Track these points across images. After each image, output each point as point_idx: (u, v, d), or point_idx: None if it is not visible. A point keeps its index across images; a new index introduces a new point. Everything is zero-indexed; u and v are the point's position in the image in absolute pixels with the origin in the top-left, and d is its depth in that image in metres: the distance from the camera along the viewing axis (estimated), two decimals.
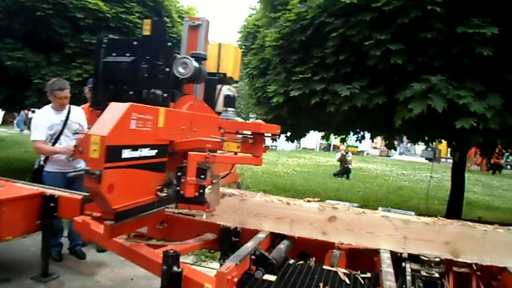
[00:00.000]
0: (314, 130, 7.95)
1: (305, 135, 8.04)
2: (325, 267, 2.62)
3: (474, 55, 4.39)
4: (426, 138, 6.87)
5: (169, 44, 2.77)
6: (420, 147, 30.36)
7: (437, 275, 2.44)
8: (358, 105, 5.07)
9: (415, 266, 2.52)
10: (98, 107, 2.95)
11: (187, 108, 2.88)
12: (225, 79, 3.61)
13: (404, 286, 2.25)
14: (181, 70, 2.83)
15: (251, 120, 3.30)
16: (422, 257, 2.56)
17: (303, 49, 5.79)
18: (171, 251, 2.38)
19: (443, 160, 25.55)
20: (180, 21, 8.72)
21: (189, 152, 2.34)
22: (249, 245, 2.51)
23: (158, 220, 3.12)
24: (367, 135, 7.74)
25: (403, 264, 2.50)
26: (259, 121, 2.42)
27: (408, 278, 2.31)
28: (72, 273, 4.18)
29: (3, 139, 16.77)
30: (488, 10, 4.45)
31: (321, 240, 2.79)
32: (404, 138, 8.45)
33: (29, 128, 22.43)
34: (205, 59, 3.10)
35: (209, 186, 2.48)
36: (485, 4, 4.47)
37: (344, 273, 2.51)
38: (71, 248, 4.65)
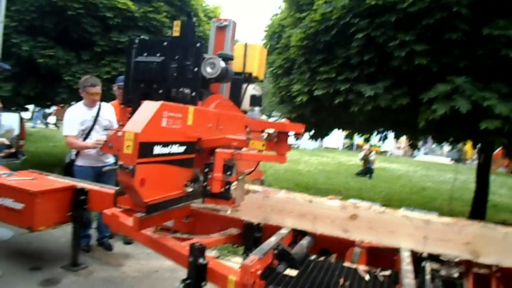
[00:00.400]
0: (337, 129, 7.97)
1: (328, 134, 8.07)
2: (345, 264, 2.68)
3: (499, 57, 4.36)
4: (450, 139, 6.82)
5: (198, 44, 2.86)
6: (445, 148, 29.92)
7: (456, 275, 2.47)
8: (382, 105, 5.09)
9: (435, 266, 2.55)
10: (129, 104, 3.07)
11: (214, 107, 2.97)
12: (250, 79, 3.68)
13: (423, 285, 2.29)
14: (209, 70, 2.92)
15: (273, 119, 3.38)
16: (442, 257, 2.60)
17: (328, 49, 5.83)
18: (198, 244, 2.49)
19: (468, 161, 25.09)
20: (206, 20, 8.86)
21: (217, 150, 2.44)
22: (272, 240, 2.59)
23: (184, 214, 3.24)
24: (390, 135, 7.72)
25: (423, 263, 2.54)
26: (284, 120, 2.49)
27: (428, 277, 2.35)
28: (100, 263, 4.34)
29: (32, 134, 17.27)
30: None
31: (342, 238, 2.84)
32: (429, 139, 8.36)
33: (45, 124, 23.01)
34: (232, 59, 3.18)
35: (235, 183, 2.58)
36: (510, 6, 4.43)
37: (364, 270, 2.57)
38: (99, 239, 4.82)
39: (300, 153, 22.80)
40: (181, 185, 2.50)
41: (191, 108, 2.47)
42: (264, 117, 2.84)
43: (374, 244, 2.79)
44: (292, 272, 2.41)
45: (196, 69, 2.83)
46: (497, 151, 8.80)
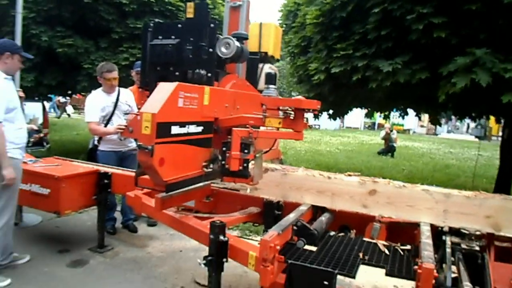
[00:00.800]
0: (356, 107, 7.90)
1: (348, 112, 8.00)
2: (365, 239, 2.69)
3: None
4: (473, 115, 6.69)
5: (212, 25, 2.86)
6: (470, 124, 29.28)
7: (477, 248, 2.46)
8: (401, 80, 5.01)
9: (456, 240, 2.54)
10: (146, 87, 3.10)
11: (230, 87, 2.99)
12: (266, 58, 3.66)
13: (444, 258, 2.29)
14: (224, 50, 2.92)
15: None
16: (463, 231, 2.59)
17: (344, 26, 5.75)
18: (218, 222, 2.54)
19: (493, 138, 24.54)
20: (221, 2, 8.81)
21: (233, 128, 2.47)
22: (291, 216, 2.62)
23: (204, 194, 3.30)
24: (411, 112, 7.60)
25: (443, 237, 2.53)
26: (300, 96, 2.49)
27: (448, 250, 2.34)
28: (126, 245, 4.46)
29: (55, 123, 17.66)
30: None
31: (362, 214, 2.86)
32: (453, 116, 8.20)
33: (59, 112, 23.33)
34: (246, 38, 3.17)
35: (252, 161, 2.61)
36: None
37: (384, 245, 2.58)
38: (123, 222, 4.94)
39: (321, 133, 22.71)
40: (200, 164, 2.54)
41: (207, 88, 2.49)
42: (279, 95, 2.82)
43: (394, 219, 2.80)
44: (311, 248, 2.44)
45: (211, 49, 2.83)
46: None
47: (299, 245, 2.41)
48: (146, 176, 2.61)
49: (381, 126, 28.92)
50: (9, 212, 3.52)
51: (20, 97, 3.82)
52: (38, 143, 4.54)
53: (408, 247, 2.58)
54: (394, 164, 12.33)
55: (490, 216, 2.57)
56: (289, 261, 2.21)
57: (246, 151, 2.46)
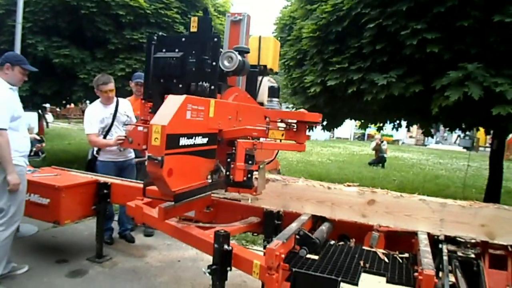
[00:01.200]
0: (351, 119, 8.03)
1: (341, 124, 8.13)
2: (364, 247, 2.77)
3: (511, 43, 4.39)
4: (463, 126, 6.85)
5: (215, 39, 2.94)
6: (457, 135, 29.67)
7: (473, 256, 2.55)
8: (395, 93, 5.14)
9: (452, 247, 2.63)
10: (149, 99, 3.16)
11: (233, 99, 3.06)
12: (265, 71, 3.76)
13: (441, 265, 2.37)
14: (226, 63, 2.99)
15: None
16: (459, 239, 2.68)
17: (340, 40, 5.89)
18: (222, 231, 2.60)
19: (481, 149, 24.88)
20: (216, 15, 8.94)
21: (238, 140, 2.54)
22: (294, 225, 2.69)
23: (205, 204, 3.35)
24: (404, 123, 7.75)
25: (440, 245, 2.62)
26: (302, 109, 2.58)
27: (445, 258, 2.43)
28: (124, 255, 4.48)
29: (47, 132, 17.55)
30: None
31: (361, 223, 2.94)
32: (441, 127, 8.37)
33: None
34: (248, 52, 3.25)
35: (256, 172, 2.68)
36: None
37: (383, 253, 2.66)
38: (121, 232, 4.96)
39: (312, 144, 22.83)
40: (205, 175, 2.60)
41: (212, 101, 2.57)
42: (282, 108, 2.91)
43: (392, 228, 2.88)
44: (313, 256, 2.51)
45: (214, 63, 2.91)
46: (510, 137, 8.79)
47: (302, 253, 2.47)
48: (152, 187, 2.68)
49: (370, 137, 29.20)
50: (17, 222, 3.56)
51: None
52: (37, 153, 4.56)
53: (406, 255, 2.66)
54: (385, 175, 12.48)
55: (484, 225, 2.67)
56: (294, 269, 2.27)
57: (250, 162, 2.53)
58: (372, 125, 8.03)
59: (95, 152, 4.69)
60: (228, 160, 2.60)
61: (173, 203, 2.67)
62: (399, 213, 2.85)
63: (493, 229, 2.65)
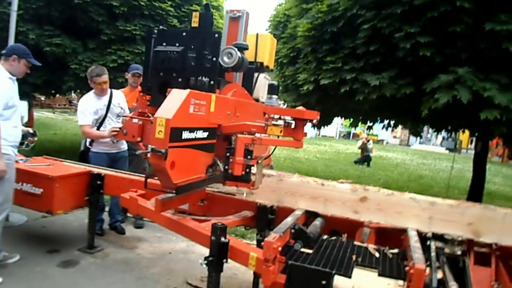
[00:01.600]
0: (342, 118, 8.13)
1: (331, 122, 8.24)
2: (356, 242, 2.86)
3: (500, 50, 4.52)
4: (449, 128, 7.00)
5: (216, 35, 2.99)
6: (440, 137, 30.14)
7: (459, 253, 2.67)
8: (387, 94, 5.25)
9: (439, 244, 2.74)
10: (148, 92, 3.20)
11: (231, 95, 3.12)
12: (261, 68, 3.82)
13: (429, 262, 2.47)
14: (226, 59, 3.05)
15: None
16: (446, 236, 2.79)
17: (334, 40, 5.97)
18: (219, 224, 2.66)
19: (463, 151, 25.36)
20: (213, 11, 8.94)
21: (238, 135, 2.60)
22: (289, 220, 2.77)
23: (200, 197, 3.40)
24: (392, 123, 7.88)
25: (428, 242, 2.73)
26: (301, 107, 2.65)
27: (433, 254, 2.53)
28: (115, 246, 4.50)
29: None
30: None
31: (353, 219, 3.03)
32: (425, 128, 8.57)
33: None
34: (247, 49, 3.31)
35: (253, 166, 2.75)
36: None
37: (374, 248, 2.75)
38: (111, 224, 4.97)
39: None
40: (204, 168, 2.66)
41: (214, 96, 2.62)
42: (281, 105, 2.97)
43: (382, 224, 2.98)
44: (307, 250, 2.59)
45: (214, 58, 2.95)
46: (493, 140, 9.02)
47: (297, 247, 2.55)
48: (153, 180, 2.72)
49: (356, 136, 29.49)
50: (5, 211, 3.55)
51: None
52: (28, 145, 4.52)
53: (396, 250, 2.76)
54: (370, 174, 12.66)
55: (471, 224, 2.78)
56: (290, 262, 2.34)
57: (249, 157, 2.60)
58: (362, 125, 8.16)
59: (88, 143, 4.69)
60: (227, 154, 2.66)
61: (169, 195, 2.73)
62: (390, 210, 2.94)
63: (479, 227, 2.76)
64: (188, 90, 2.36)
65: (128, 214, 5.16)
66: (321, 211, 3.10)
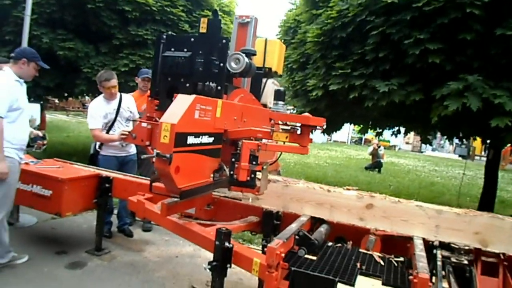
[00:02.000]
0: (350, 124, 8.11)
1: (341, 128, 8.22)
2: (361, 250, 2.84)
3: (511, 56, 4.47)
4: (460, 135, 6.94)
5: (224, 41, 3.01)
6: (453, 143, 29.80)
7: (466, 262, 2.63)
8: (396, 100, 5.23)
9: (446, 253, 2.71)
10: (156, 96, 3.23)
11: (238, 100, 3.13)
12: (270, 73, 3.82)
13: (434, 271, 2.45)
14: (233, 65, 3.06)
15: None
16: (453, 245, 2.76)
17: (344, 46, 5.97)
18: (224, 229, 2.67)
19: (476, 158, 25.02)
20: (221, 14, 9.00)
21: (244, 140, 2.61)
22: (293, 226, 2.76)
23: (206, 202, 3.42)
24: (402, 130, 7.83)
25: (434, 251, 2.70)
26: (307, 113, 2.65)
27: (439, 263, 2.50)
28: (122, 249, 4.53)
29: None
30: None
31: (358, 226, 3.02)
32: (438, 135, 8.50)
33: None
34: (254, 54, 3.32)
35: (259, 172, 2.75)
36: None
37: (379, 256, 2.74)
38: (119, 226, 5.00)
39: (309, 146, 22.85)
40: (209, 173, 2.67)
41: (220, 102, 2.63)
42: (287, 111, 2.98)
43: (388, 232, 2.96)
44: (311, 257, 2.58)
45: (222, 64, 2.97)
46: (506, 147, 8.90)
47: (301, 253, 2.54)
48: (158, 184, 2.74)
49: (367, 142, 29.30)
50: (4, 211, 3.57)
51: None
52: (39, 148, 4.58)
53: (401, 259, 2.74)
54: (381, 180, 12.57)
55: (478, 233, 2.74)
56: (293, 269, 2.34)
57: (254, 162, 2.60)
58: (371, 131, 8.12)
59: (97, 147, 4.74)
60: (233, 160, 2.67)
61: (175, 199, 2.75)
62: (396, 218, 2.92)
63: (486, 237, 2.73)
64: (193, 96, 2.38)
65: (137, 217, 5.19)
66: (326, 218, 3.09)
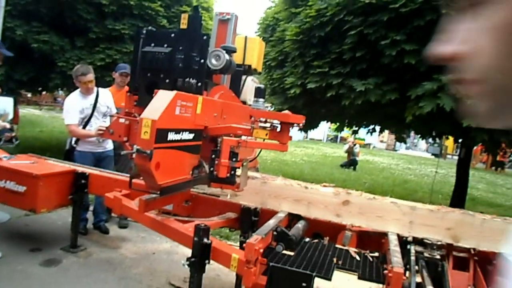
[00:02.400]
0: (328, 122, 8.20)
1: (317, 126, 8.31)
2: (337, 246, 2.90)
3: None
4: (434, 134, 7.12)
5: (204, 37, 3.01)
6: (426, 142, 30.45)
7: (438, 257, 2.73)
8: (372, 99, 5.33)
9: (419, 249, 2.80)
10: (135, 92, 3.21)
11: (218, 97, 3.14)
12: (249, 71, 3.85)
13: (408, 265, 2.52)
14: (214, 62, 3.07)
15: None
16: (426, 241, 2.85)
17: (322, 44, 6.04)
18: (202, 225, 2.68)
19: (449, 156, 25.67)
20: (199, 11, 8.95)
21: (224, 137, 2.63)
22: (271, 222, 2.80)
23: (184, 198, 3.42)
24: (377, 128, 7.98)
25: (408, 246, 2.78)
26: (287, 111, 2.68)
27: (412, 258, 2.59)
28: (98, 245, 4.48)
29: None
30: None
31: (335, 222, 3.08)
32: (412, 133, 8.71)
33: None
34: (234, 51, 3.34)
35: (239, 169, 2.77)
36: None
37: (355, 252, 2.80)
38: (95, 223, 4.94)
39: None
40: (189, 170, 2.68)
41: (200, 98, 2.64)
42: (268, 108, 3.01)
43: (364, 228, 3.03)
44: (289, 252, 2.62)
45: (202, 60, 2.98)
46: (477, 147, 9.19)
47: (278, 249, 2.59)
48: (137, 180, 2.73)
49: (343, 140, 29.64)
50: None
51: None
52: (11, 140, 4.48)
53: (376, 254, 2.82)
54: (356, 177, 12.74)
55: (450, 228, 2.84)
56: (271, 264, 2.38)
57: (234, 159, 2.63)
58: (348, 129, 8.23)
59: (73, 142, 4.66)
60: (213, 156, 2.68)
61: (153, 195, 2.74)
62: (372, 214, 3.00)
63: (457, 232, 2.83)
64: (174, 92, 2.38)
65: (113, 214, 5.14)
66: (304, 214, 3.14)
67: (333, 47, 5.84)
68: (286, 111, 2.65)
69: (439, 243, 2.81)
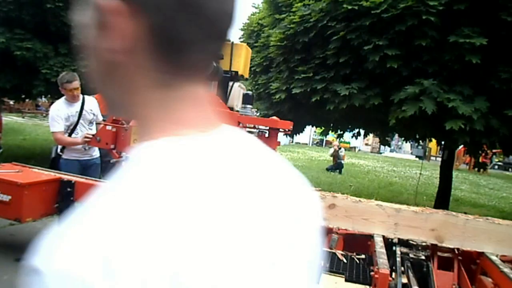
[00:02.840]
0: (312, 126, 8.27)
1: (303, 130, 8.38)
2: (324, 249, 2.94)
3: (464, 62, 4.75)
4: (417, 136, 7.23)
5: None
6: (410, 145, 30.82)
7: (423, 257, 2.79)
8: (356, 104, 5.41)
9: (404, 250, 2.86)
10: None
11: None
12: (236, 77, 3.88)
13: (394, 266, 2.58)
14: None
15: None
16: (411, 242, 2.92)
17: (306, 50, 6.12)
18: None
19: (432, 158, 26.00)
20: None
21: None
22: None
23: None
24: (362, 132, 8.08)
25: (394, 247, 2.84)
26: (274, 117, 2.72)
27: (398, 259, 2.64)
28: None
29: None
30: (478, 21, 4.81)
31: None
32: (396, 136, 8.83)
33: None
34: (222, 58, 3.34)
35: None
36: (475, 15, 4.83)
37: (342, 254, 2.85)
38: None
39: None
40: None
41: None
42: (256, 114, 3.04)
43: (350, 231, 3.08)
44: None
45: None
46: (459, 148, 9.35)
47: None
48: None
49: (328, 143, 29.83)
50: None
51: None
52: None
53: (363, 256, 2.86)
54: (342, 181, 12.83)
55: (434, 229, 2.90)
56: None
57: None
58: (333, 133, 8.32)
59: (59, 150, 4.62)
60: None
61: None
62: (357, 217, 3.04)
63: (442, 233, 2.89)
64: None
65: None
66: None
67: (317, 53, 5.92)
68: (274, 117, 2.69)
69: (423, 244, 2.88)
